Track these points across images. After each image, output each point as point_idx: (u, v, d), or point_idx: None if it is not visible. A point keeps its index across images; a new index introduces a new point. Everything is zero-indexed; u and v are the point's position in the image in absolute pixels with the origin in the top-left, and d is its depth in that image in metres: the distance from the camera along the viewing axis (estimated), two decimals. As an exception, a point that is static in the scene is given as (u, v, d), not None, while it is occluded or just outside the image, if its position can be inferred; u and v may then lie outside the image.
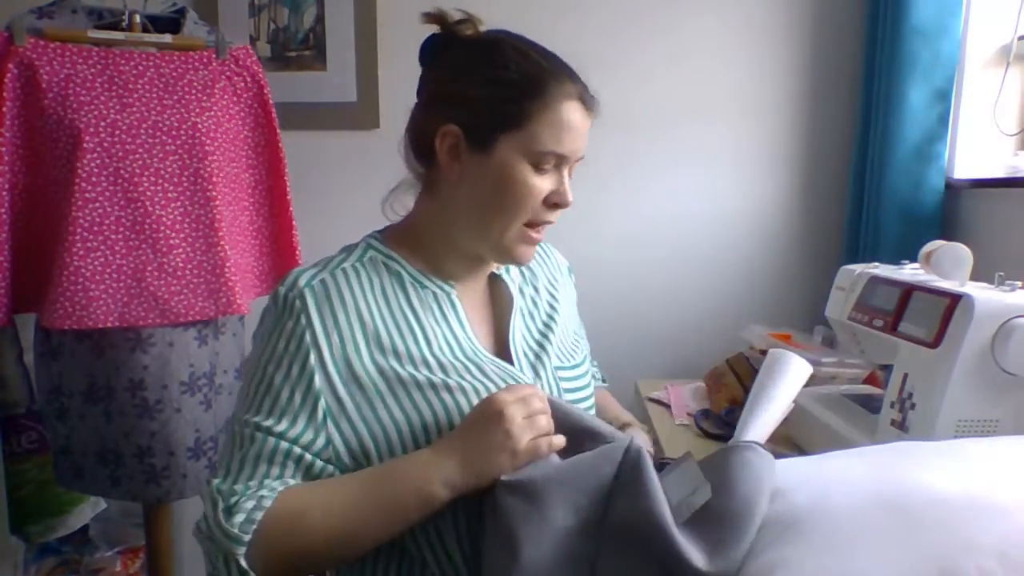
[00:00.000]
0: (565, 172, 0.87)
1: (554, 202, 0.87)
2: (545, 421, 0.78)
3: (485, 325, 0.95)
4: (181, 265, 1.42)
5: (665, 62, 1.93)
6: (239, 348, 1.60)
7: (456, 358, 0.87)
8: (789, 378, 0.85)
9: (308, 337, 0.82)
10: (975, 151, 1.73)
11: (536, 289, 1.01)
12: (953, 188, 1.71)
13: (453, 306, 0.91)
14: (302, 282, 0.85)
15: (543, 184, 0.85)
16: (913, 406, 1.02)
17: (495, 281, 0.98)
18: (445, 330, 0.89)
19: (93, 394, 1.42)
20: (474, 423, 0.78)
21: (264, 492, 0.77)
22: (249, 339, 1.59)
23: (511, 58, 0.84)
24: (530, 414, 0.77)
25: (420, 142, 0.90)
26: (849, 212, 1.87)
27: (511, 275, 0.99)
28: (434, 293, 0.90)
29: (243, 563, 0.74)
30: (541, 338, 0.96)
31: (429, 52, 0.93)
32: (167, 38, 1.45)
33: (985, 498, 0.66)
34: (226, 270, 1.46)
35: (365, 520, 0.77)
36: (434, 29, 0.91)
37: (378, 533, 0.78)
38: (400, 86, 1.94)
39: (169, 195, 1.41)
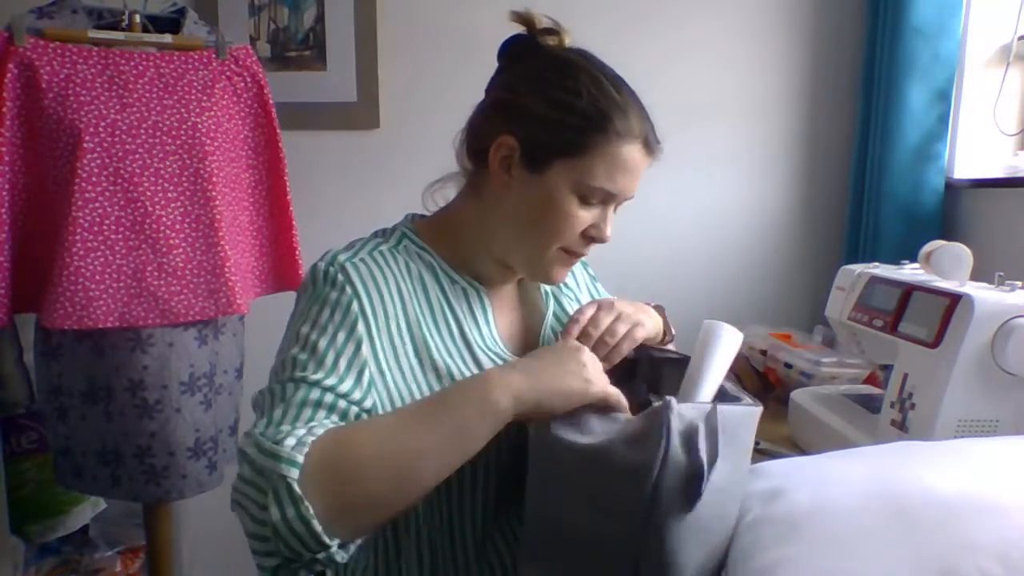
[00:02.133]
0: (611, 209, 0.87)
1: (591, 236, 0.87)
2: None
3: (515, 327, 0.96)
4: (181, 265, 1.42)
5: (665, 62, 1.93)
6: (239, 348, 1.60)
7: (485, 353, 0.88)
8: (722, 348, 0.83)
9: (356, 307, 0.80)
10: (975, 151, 1.73)
11: (564, 293, 1.03)
12: (953, 188, 1.71)
13: (483, 304, 0.91)
14: (343, 258, 0.84)
15: (586, 216, 0.85)
16: (913, 406, 1.02)
17: (525, 285, 0.99)
18: (474, 326, 0.89)
19: (93, 394, 1.42)
20: (547, 351, 0.78)
21: (315, 423, 0.71)
22: (249, 339, 1.61)
23: (585, 85, 0.83)
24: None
25: (475, 143, 0.90)
26: (849, 212, 1.87)
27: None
28: (464, 289, 0.90)
29: (296, 488, 0.64)
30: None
31: (508, 53, 0.91)
32: (167, 38, 1.45)
33: (985, 498, 0.66)
34: (226, 270, 1.46)
35: (422, 434, 0.69)
36: (519, 29, 0.90)
37: (438, 449, 0.69)
38: (400, 86, 1.95)
39: (169, 195, 1.41)
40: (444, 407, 0.72)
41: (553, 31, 0.89)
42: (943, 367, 0.97)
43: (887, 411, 1.08)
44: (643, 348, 0.93)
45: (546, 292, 1.01)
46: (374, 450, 0.68)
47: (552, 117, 0.83)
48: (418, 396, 0.82)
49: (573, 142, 0.82)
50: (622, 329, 0.87)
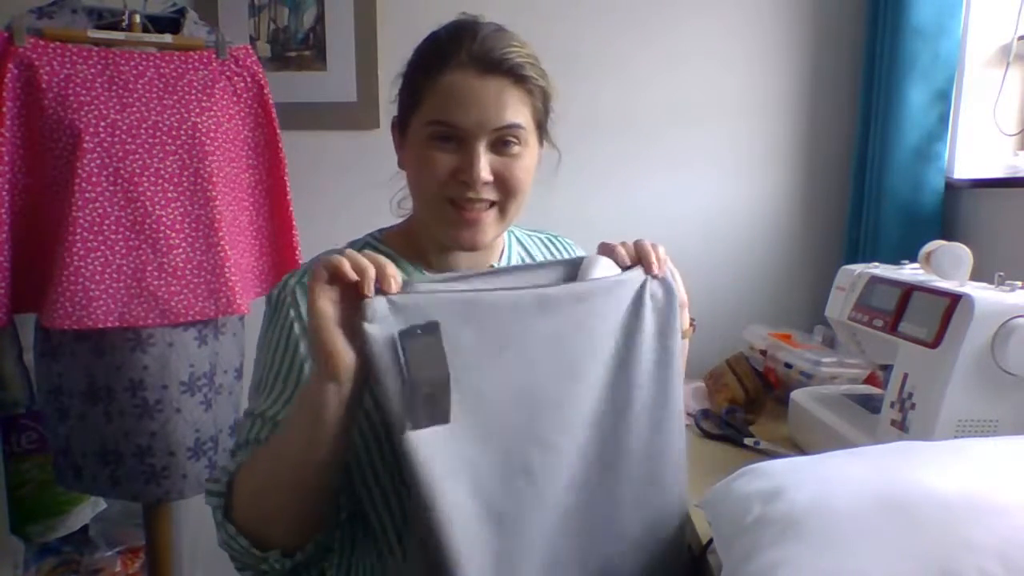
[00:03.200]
0: (475, 146, 0.82)
1: (462, 180, 0.83)
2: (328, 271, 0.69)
3: None
4: (181, 265, 1.42)
5: (665, 63, 1.93)
6: (239, 348, 1.60)
7: None
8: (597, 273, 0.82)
9: (297, 328, 0.84)
10: (975, 151, 1.73)
11: None
12: (953, 188, 1.71)
13: None
14: (292, 281, 0.88)
15: (446, 159, 0.83)
16: (913, 406, 1.02)
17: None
18: None
19: (93, 394, 1.42)
20: None
21: (243, 454, 0.82)
22: (249, 339, 1.60)
23: (422, 44, 0.88)
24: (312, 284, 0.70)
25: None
26: (849, 212, 1.87)
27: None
28: None
29: (218, 516, 0.79)
30: None
31: None
32: (167, 38, 1.45)
33: (985, 498, 0.66)
34: (226, 270, 1.46)
35: (288, 444, 0.74)
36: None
37: (303, 455, 0.72)
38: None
39: (169, 195, 1.41)
40: (288, 418, 0.78)
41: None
42: (943, 367, 0.97)
43: (887, 411, 1.08)
44: None
45: None
46: (258, 473, 0.77)
47: (402, 83, 0.89)
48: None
49: (410, 94, 0.86)
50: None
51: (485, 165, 0.83)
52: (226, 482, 0.79)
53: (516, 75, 0.83)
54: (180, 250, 1.42)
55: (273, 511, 0.76)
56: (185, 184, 1.43)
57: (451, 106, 0.82)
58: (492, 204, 0.86)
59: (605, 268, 0.82)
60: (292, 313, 0.85)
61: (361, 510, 0.86)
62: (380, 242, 0.95)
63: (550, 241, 1.09)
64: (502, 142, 0.84)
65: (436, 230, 0.89)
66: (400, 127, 0.90)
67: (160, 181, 1.40)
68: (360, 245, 0.94)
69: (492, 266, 0.97)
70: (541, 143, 0.91)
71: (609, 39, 1.91)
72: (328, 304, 0.68)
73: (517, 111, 0.83)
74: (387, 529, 0.84)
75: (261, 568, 0.78)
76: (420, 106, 0.84)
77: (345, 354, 0.68)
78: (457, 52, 0.82)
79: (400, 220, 0.99)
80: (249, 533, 0.77)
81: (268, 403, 0.84)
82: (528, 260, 1.03)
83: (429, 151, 0.84)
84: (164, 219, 1.41)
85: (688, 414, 1.52)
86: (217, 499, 0.79)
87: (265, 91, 1.55)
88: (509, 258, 1.00)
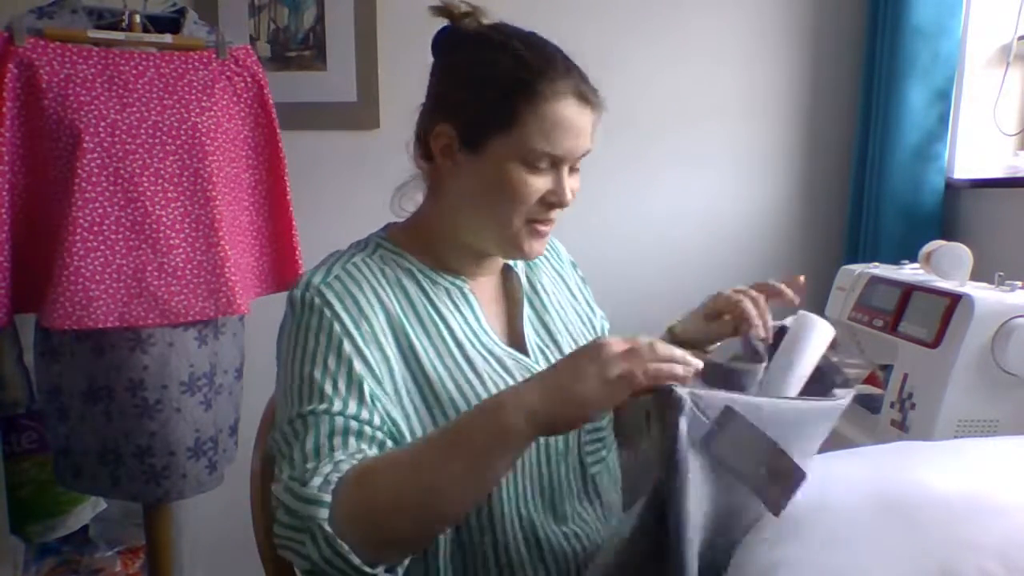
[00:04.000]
0: (564, 171, 0.86)
1: (551, 202, 0.86)
2: (662, 349, 0.68)
3: (499, 319, 0.95)
4: (181, 265, 1.42)
5: (666, 63, 1.93)
6: (239, 348, 1.59)
7: (476, 349, 0.87)
8: (814, 343, 0.79)
9: (338, 327, 0.81)
10: (975, 151, 1.73)
11: (541, 283, 1.01)
12: (953, 188, 1.71)
13: (467, 299, 0.91)
14: (317, 280, 0.84)
15: (539, 183, 0.84)
16: (913, 406, 1.02)
17: (507, 275, 0.99)
18: (462, 323, 0.89)
19: (93, 394, 1.42)
20: (567, 356, 0.73)
21: (341, 457, 0.73)
22: (249, 339, 1.61)
23: (501, 57, 0.83)
24: (632, 347, 0.68)
25: (421, 141, 0.91)
26: (849, 212, 1.87)
27: (519, 268, 1.00)
28: (446, 288, 0.90)
29: (327, 528, 0.67)
30: (550, 331, 0.97)
31: (436, 46, 0.92)
32: (167, 38, 1.45)
33: (985, 498, 0.66)
34: (226, 270, 1.46)
35: (439, 470, 0.69)
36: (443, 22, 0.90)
37: (457, 484, 0.70)
38: (400, 86, 1.94)
39: (169, 195, 1.41)
40: (459, 439, 0.71)
41: (470, 14, 0.89)
42: (943, 367, 0.97)
43: (887, 411, 1.08)
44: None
45: (526, 285, 1.00)
46: (394, 493, 0.70)
47: (475, 96, 0.84)
48: (408, 405, 0.82)
49: (501, 115, 0.82)
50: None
51: (569, 188, 0.86)
52: (332, 491, 0.70)
53: (597, 106, 0.86)
54: (180, 250, 1.42)
55: (404, 531, 0.71)
56: (185, 184, 1.43)
57: (558, 137, 0.82)
58: None
59: (823, 334, 0.79)
60: (328, 313, 0.81)
61: None
62: (387, 240, 0.93)
63: None
64: (573, 165, 0.87)
65: (497, 243, 0.88)
66: (468, 140, 0.84)
67: (160, 181, 1.40)
68: (371, 248, 0.91)
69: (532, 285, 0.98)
70: None
71: (610, 39, 1.91)
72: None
73: (591, 136, 0.87)
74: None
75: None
76: (516, 129, 0.82)
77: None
78: (564, 81, 0.82)
79: (400, 218, 0.97)
80: (358, 550, 0.69)
81: (326, 404, 0.77)
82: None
83: (524, 175, 0.83)
84: (164, 219, 1.41)
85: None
86: (323, 510, 0.69)
87: (265, 91, 1.55)
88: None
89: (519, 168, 0.83)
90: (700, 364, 0.70)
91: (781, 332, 0.85)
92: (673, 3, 1.92)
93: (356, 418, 0.77)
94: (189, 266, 1.43)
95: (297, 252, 1.63)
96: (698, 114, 1.94)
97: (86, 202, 1.34)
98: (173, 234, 1.42)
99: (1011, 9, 1.65)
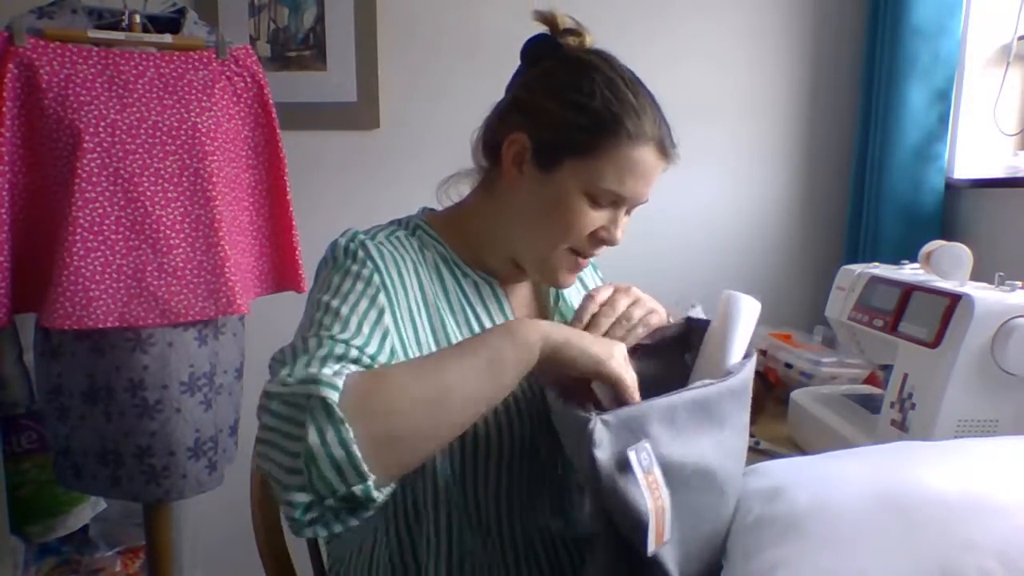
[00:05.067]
0: (622, 212, 0.87)
1: (601, 237, 0.86)
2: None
3: None
4: (181, 265, 1.42)
5: (665, 62, 1.93)
6: (239, 348, 1.59)
7: None
8: (743, 320, 0.82)
9: (377, 279, 0.82)
10: (975, 151, 1.73)
11: (567, 295, 1.02)
12: (953, 188, 1.71)
13: (497, 298, 0.92)
14: (362, 236, 0.86)
15: (595, 217, 0.85)
16: (913, 406, 1.02)
17: (538, 286, 1.00)
18: (490, 319, 0.90)
19: (93, 394, 1.42)
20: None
21: (342, 370, 0.70)
22: (249, 339, 1.61)
23: (599, 87, 0.83)
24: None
25: (491, 140, 0.90)
26: (849, 212, 1.87)
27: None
28: (476, 283, 0.91)
29: (337, 410, 0.62)
30: None
31: (529, 53, 0.91)
32: (167, 38, 1.45)
33: (985, 498, 0.66)
34: (226, 270, 1.46)
35: (454, 365, 0.70)
36: (542, 28, 0.91)
37: (470, 379, 0.70)
38: (400, 86, 1.95)
39: (169, 195, 1.41)
40: (474, 342, 0.73)
41: (575, 31, 0.89)
42: (943, 367, 0.97)
43: (887, 411, 1.08)
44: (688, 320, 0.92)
45: (556, 295, 1.00)
46: (408, 381, 0.68)
47: (564, 117, 0.83)
48: None
49: (584, 143, 0.82)
50: (638, 313, 0.86)
51: (621, 229, 0.88)
52: (342, 380, 0.66)
53: (672, 161, 0.87)
54: (180, 250, 1.42)
55: (412, 431, 0.67)
56: (185, 184, 1.43)
57: (629, 181, 0.83)
58: None
59: (749, 309, 0.83)
60: (371, 264, 0.82)
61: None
62: (426, 224, 0.93)
63: None
64: (630, 208, 0.88)
65: (535, 263, 0.89)
66: (542, 156, 0.84)
67: (160, 181, 1.40)
68: (410, 228, 0.92)
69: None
70: None
71: (610, 39, 1.90)
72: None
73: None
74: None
75: (339, 492, 0.63)
76: (592, 160, 0.82)
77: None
78: (652, 127, 0.83)
79: (444, 205, 0.97)
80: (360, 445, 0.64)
81: (349, 335, 0.75)
82: None
83: (585, 206, 0.84)
84: (164, 219, 1.41)
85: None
86: (335, 392, 0.64)
87: (265, 91, 1.55)
88: None
89: (582, 199, 0.84)
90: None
91: (688, 322, 0.89)
92: (673, 3, 1.92)
93: (373, 357, 0.75)
94: (189, 266, 1.43)
95: (297, 252, 1.63)
96: (698, 114, 1.94)
97: (86, 202, 1.34)
98: (173, 234, 1.42)
99: (1011, 9, 1.65)
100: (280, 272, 1.64)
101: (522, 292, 0.97)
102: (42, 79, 1.33)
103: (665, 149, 0.85)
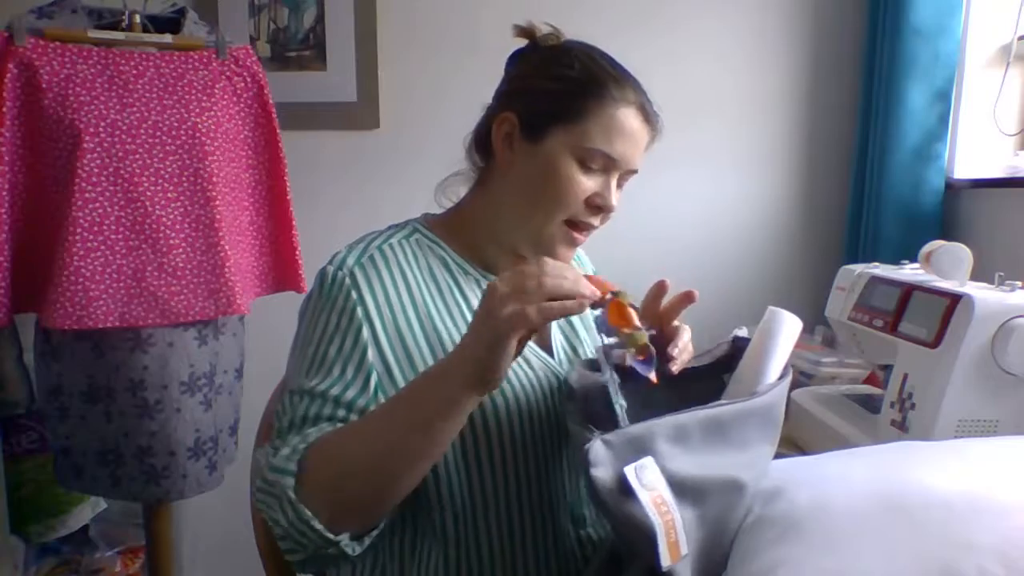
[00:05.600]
0: (613, 178, 0.87)
1: (596, 204, 0.87)
2: (549, 284, 0.68)
3: None
4: (181, 265, 1.42)
5: (665, 62, 1.93)
6: (239, 348, 1.59)
7: None
8: (783, 337, 0.82)
9: (360, 312, 0.83)
10: (975, 151, 1.73)
11: None
12: (953, 188, 1.71)
13: None
14: (351, 260, 0.86)
15: (587, 183, 0.86)
16: (913, 406, 1.02)
17: None
18: None
19: (93, 394, 1.42)
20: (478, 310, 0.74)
21: (311, 430, 0.78)
22: (249, 339, 1.61)
23: (578, 59, 0.87)
24: (519, 285, 0.69)
25: (481, 133, 0.92)
26: (849, 212, 1.87)
27: None
28: (477, 279, 0.92)
29: (292, 495, 0.72)
30: (573, 335, 0.98)
31: (513, 60, 0.95)
32: (167, 38, 1.45)
33: (985, 498, 0.66)
34: (226, 270, 1.46)
35: (387, 434, 0.73)
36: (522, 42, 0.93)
37: (407, 443, 0.73)
38: (400, 86, 1.95)
39: (169, 195, 1.41)
40: (409, 407, 0.74)
41: (552, 35, 0.92)
42: (943, 367, 0.97)
43: (887, 411, 1.08)
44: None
45: None
46: (350, 458, 0.74)
47: (548, 87, 0.86)
48: None
49: (569, 107, 0.84)
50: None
51: (616, 195, 0.88)
52: (298, 461, 0.74)
53: (656, 130, 0.90)
54: (180, 250, 1.42)
55: (367, 493, 0.74)
56: (185, 184, 1.43)
57: (617, 140, 0.85)
58: None
59: (793, 327, 0.81)
60: (354, 295, 0.83)
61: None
62: (424, 227, 0.94)
63: None
64: (620, 178, 0.89)
65: (532, 240, 0.89)
66: (530, 128, 0.86)
67: (160, 181, 1.40)
68: (407, 231, 0.92)
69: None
70: None
71: (609, 38, 1.90)
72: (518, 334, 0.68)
73: (643, 157, 0.90)
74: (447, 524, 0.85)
75: (323, 553, 0.74)
76: (579, 123, 0.84)
77: (506, 372, 0.70)
78: (633, 93, 0.86)
79: (443, 207, 0.98)
80: (321, 515, 0.73)
81: (328, 384, 0.80)
82: None
83: (575, 172, 0.85)
84: (164, 219, 1.41)
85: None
86: (289, 478, 0.73)
87: (265, 91, 1.55)
88: None
89: (572, 164, 0.85)
90: (593, 293, 0.71)
91: (736, 342, 0.87)
92: (673, 3, 1.92)
93: (350, 404, 0.80)
94: (189, 266, 1.43)
95: (297, 252, 1.63)
96: (698, 114, 1.94)
97: (86, 202, 1.34)
98: (173, 234, 1.42)
99: (1011, 9, 1.65)
100: (280, 272, 1.64)
101: None
102: (42, 79, 1.33)
103: (648, 115, 0.87)
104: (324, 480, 0.73)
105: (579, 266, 1.10)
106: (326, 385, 0.80)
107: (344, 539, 0.73)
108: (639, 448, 0.65)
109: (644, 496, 0.63)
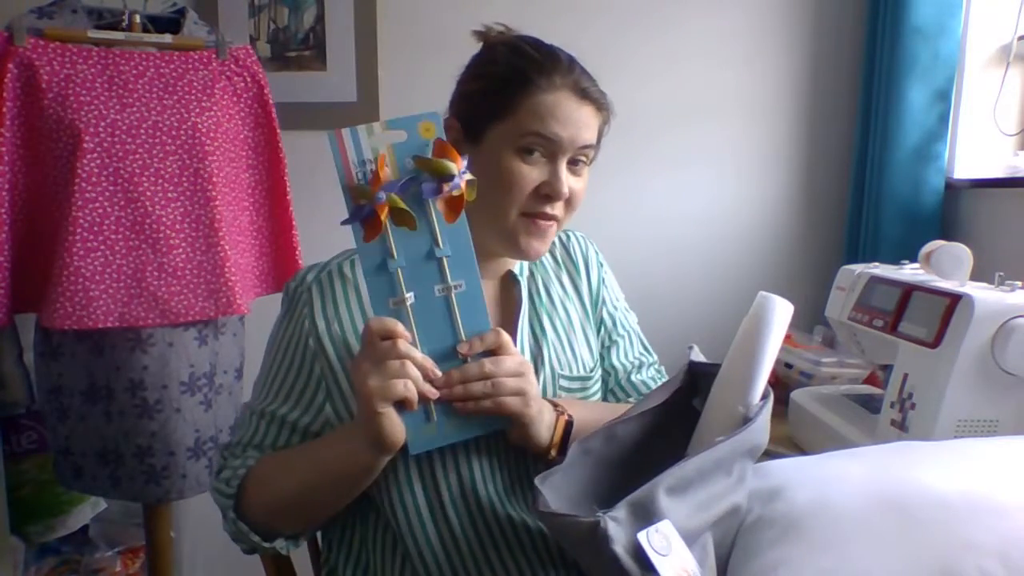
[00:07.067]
0: (560, 163, 0.86)
1: (545, 193, 0.86)
2: (395, 366, 0.71)
3: (493, 323, 0.94)
4: (181, 265, 1.42)
5: (665, 62, 1.93)
6: (239, 348, 1.59)
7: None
8: (776, 324, 0.77)
9: (308, 324, 0.87)
10: (975, 151, 1.73)
11: (548, 290, 1.00)
12: (953, 188, 1.71)
13: None
14: (310, 277, 0.90)
15: (532, 173, 0.86)
16: (913, 406, 1.02)
17: (510, 283, 0.98)
18: None
19: (93, 394, 1.42)
20: None
21: (252, 456, 0.87)
22: (249, 339, 1.61)
23: (502, 54, 0.88)
24: (379, 364, 0.72)
25: None
26: (849, 212, 1.87)
27: (523, 276, 0.98)
28: None
29: (231, 514, 0.84)
30: (539, 342, 0.95)
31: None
32: (167, 38, 1.45)
33: (985, 498, 0.66)
34: (226, 270, 1.46)
35: (309, 475, 0.82)
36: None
37: (325, 490, 0.82)
38: (400, 86, 1.95)
39: (169, 195, 1.41)
40: (326, 450, 0.82)
41: (501, 33, 0.94)
42: (943, 367, 0.97)
43: (887, 411, 1.08)
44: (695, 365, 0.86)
45: (531, 292, 0.98)
46: (277, 488, 0.83)
47: (477, 87, 0.89)
48: None
49: (499, 104, 0.86)
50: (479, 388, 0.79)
51: (566, 181, 0.87)
52: (237, 484, 0.84)
53: (599, 104, 0.89)
54: (180, 250, 1.42)
55: (293, 515, 0.85)
56: (185, 184, 1.43)
57: (551, 122, 0.85)
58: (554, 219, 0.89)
59: (783, 312, 0.77)
60: (306, 311, 0.87)
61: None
62: None
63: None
64: (574, 160, 0.88)
65: (499, 239, 0.89)
66: (470, 132, 0.89)
67: (160, 181, 1.40)
68: None
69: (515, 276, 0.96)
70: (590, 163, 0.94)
71: (609, 38, 1.91)
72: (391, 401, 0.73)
73: (593, 133, 0.89)
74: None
75: (261, 549, 0.85)
76: (510, 117, 0.85)
77: (400, 435, 0.74)
78: (559, 75, 0.86)
79: None
80: (259, 527, 0.84)
81: (277, 403, 0.88)
82: (549, 260, 1.01)
83: (516, 164, 0.85)
84: (164, 219, 1.41)
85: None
86: (228, 500, 0.85)
87: (265, 91, 1.55)
88: (522, 265, 0.99)
89: (513, 157, 0.85)
90: (432, 392, 0.75)
91: (691, 367, 0.84)
92: (672, 2, 1.92)
93: (295, 423, 0.87)
94: (189, 266, 1.43)
95: (297, 252, 1.63)
96: (698, 114, 1.94)
97: (86, 202, 1.34)
98: (173, 234, 1.42)
99: (1011, 9, 1.65)
100: (280, 272, 1.64)
101: (488, 291, 0.95)
102: (42, 79, 1.33)
103: (584, 92, 0.86)
104: (256, 506, 0.83)
105: (591, 266, 1.07)
106: (275, 406, 0.87)
107: (279, 543, 0.85)
108: (642, 515, 0.63)
109: (661, 564, 0.60)
